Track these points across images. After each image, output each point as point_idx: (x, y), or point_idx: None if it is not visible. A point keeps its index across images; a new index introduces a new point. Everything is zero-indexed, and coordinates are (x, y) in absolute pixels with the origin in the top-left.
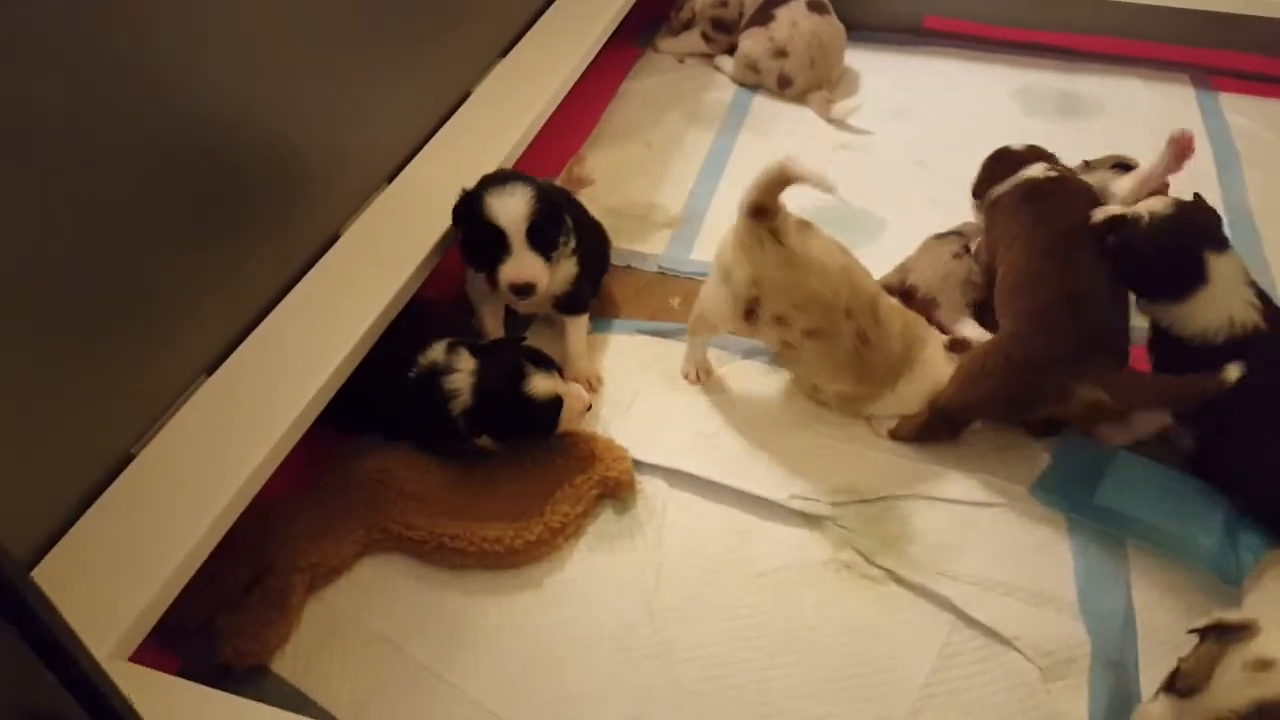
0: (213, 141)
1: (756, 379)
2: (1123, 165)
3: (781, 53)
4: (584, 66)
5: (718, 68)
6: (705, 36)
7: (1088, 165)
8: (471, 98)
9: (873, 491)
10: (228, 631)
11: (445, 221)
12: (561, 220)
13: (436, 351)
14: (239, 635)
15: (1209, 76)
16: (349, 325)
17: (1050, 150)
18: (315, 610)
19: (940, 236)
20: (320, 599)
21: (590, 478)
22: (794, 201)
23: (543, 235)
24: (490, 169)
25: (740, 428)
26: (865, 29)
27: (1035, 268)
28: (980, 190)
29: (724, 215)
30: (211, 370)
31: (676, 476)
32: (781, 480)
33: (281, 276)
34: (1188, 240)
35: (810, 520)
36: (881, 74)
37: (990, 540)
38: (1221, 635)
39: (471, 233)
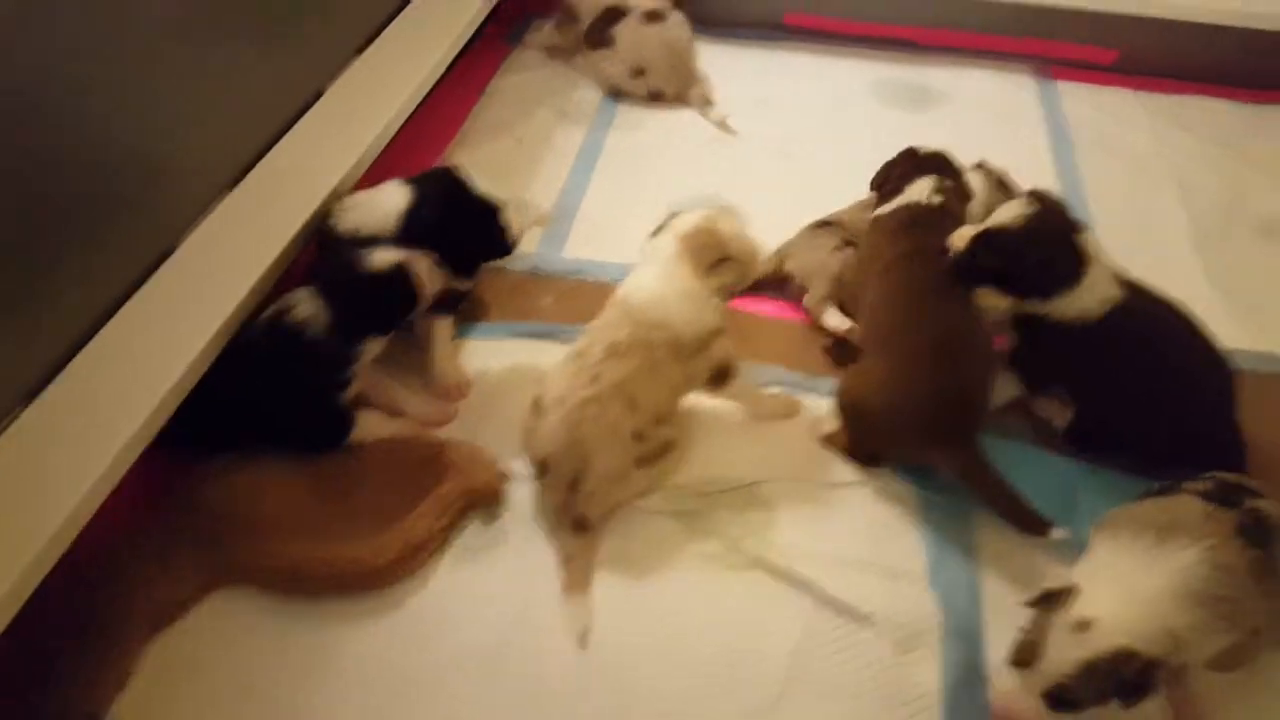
0: (21, 142)
1: None
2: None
3: (639, 71)
4: (445, 64)
5: (581, 71)
6: (557, 24)
7: (980, 167)
8: (324, 97)
9: (738, 480)
10: (55, 682)
11: (293, 229)
12: None
13: (266, 313)
14: (69, 686)
15: (1049, 67)
16: (183, 345)
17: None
18: (158, 655)
19: (820, 225)
20: (163, 643)
21: (455, 488)
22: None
23: None
24: (344, 170)
25: None
26: (727, 26)
27: (905, 311)
28: (875, 185)
29: (596, 212)
30: (29, 401)
31: None
32: None
33: (108, 295)
34: (1064, 230)
35: (677, 514)
36: (745, 70)
37: (847, 519)
38: (1049, 603)
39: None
